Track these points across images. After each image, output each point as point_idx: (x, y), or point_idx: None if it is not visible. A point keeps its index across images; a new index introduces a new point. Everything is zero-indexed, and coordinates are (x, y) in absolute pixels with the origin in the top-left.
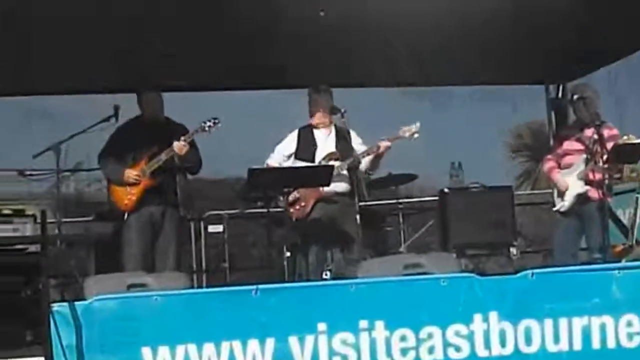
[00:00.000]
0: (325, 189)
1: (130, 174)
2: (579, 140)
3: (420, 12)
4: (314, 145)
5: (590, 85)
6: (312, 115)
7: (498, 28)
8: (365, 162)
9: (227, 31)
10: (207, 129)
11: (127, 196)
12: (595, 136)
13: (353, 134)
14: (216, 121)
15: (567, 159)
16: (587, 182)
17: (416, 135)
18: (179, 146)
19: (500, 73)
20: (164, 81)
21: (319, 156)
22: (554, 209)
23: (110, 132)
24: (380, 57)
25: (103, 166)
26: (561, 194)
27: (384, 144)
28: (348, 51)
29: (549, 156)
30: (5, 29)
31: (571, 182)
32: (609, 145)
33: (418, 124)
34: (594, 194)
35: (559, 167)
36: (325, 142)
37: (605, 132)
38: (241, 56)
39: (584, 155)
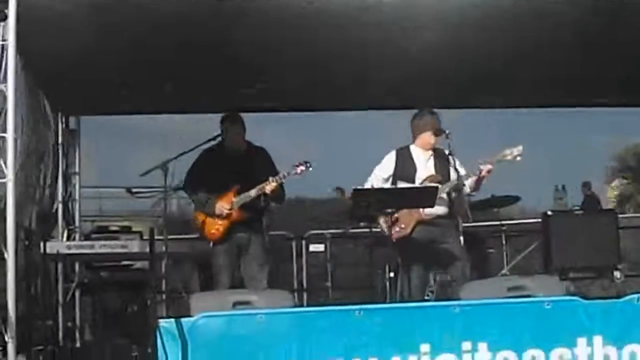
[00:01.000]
0: (426, 211)
1: (223, 208)
2: None
3: (530, 28)
4: (413, 167)
5: None
6: (416, 136)
7: (607, 50)
8: (467, 184)
9: (323, 51)
10: (299, 172)
11: (214, 226)
12: None
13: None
14: (308, 165)
15: None
16: None
17: (519, 158)
18: (271, 187)
19: (608, 95)
20: (263, 102)
21: (419, 178)
22: None
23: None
24: (486, 79)
25: (192, 193)
26: None
27: (487, 167)
28: (447, 72)
29: None
30: (116, 50)
31: None
32: None
33: (520, 147)
34: None
35: None
36: (425, 164)
37: None
38: (339, 76)
39: None
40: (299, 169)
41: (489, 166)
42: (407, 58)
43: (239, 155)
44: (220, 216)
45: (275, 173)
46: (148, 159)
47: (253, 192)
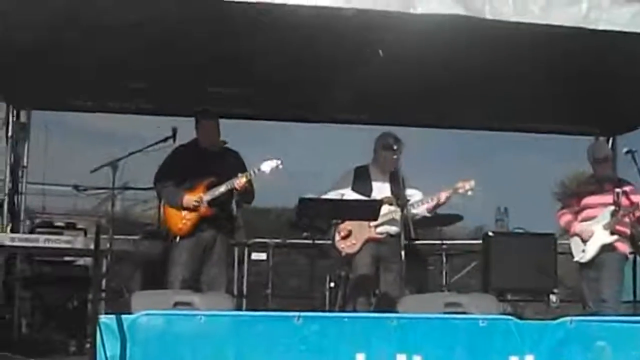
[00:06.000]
0: (378, 229)
1: (191, 200)
2: (602, 194)
3: (478, 55)
4: (369, 187)
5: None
6: (377, 157)
7: (552, 78)
8: (423, 208)
9: (292, 62)
10: (269, 170)
11: (182, 221)
12: (618, 190)
13: (406, 180)
14: (280, 162)
15: (588, 212)
16: (615, 233)
17: (470, 193)
18: (240, 183)
19: (554, 122)
20: (224, 108)
21: (375, 198)
22: (575, 259)
23: (166, 153)
24: (436, 98)
25: (161, 188)
26: (583, 244)
27: (444, 195)
28: (397, 90)
29: (564, 210)
30: (69, 46)
31: (596, 232)
32: (634, 199)
33: (473, 182)
34: (621, 246)
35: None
36: (381, 185)
37: (627, 188)
38: (301, 89)
39: (611, 208)
40: (268, 167)
41: (447, 194)
42: (373, 74)
43: (212, 154)
44: (188, 209)
45: None
46: (92, 157)
47: (223, 188)
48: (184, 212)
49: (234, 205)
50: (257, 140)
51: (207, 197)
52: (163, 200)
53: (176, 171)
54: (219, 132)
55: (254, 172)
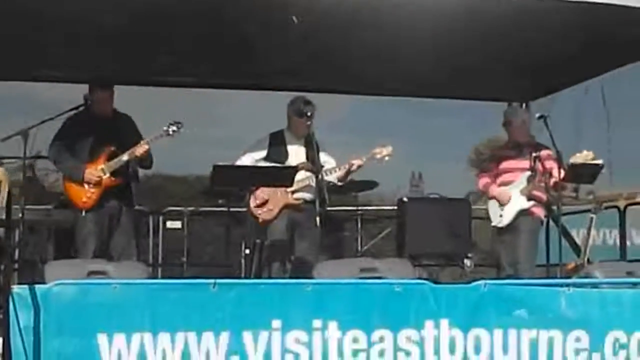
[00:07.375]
0: (295, 195)
1: (92, 174)
2: (520, 158)
3: (395, 22)
4: (285, 152)
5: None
6: (291, 122)
7: (466, 44)
8: (336, 175)
9: (211, 32)
10: (170, 132)
11: (86, 194)
12: (535, 155)
13: (321, 145)
14: (179, 125)
15: (505, 177)
16: (531, 199)
17: (387, 158)
18: (143, 150)
19: (467, 89)
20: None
21: (290, 164)
22: (492, 224)
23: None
24: (353, 64)
25: (58, 161)
26: (501, 208)
27: (356, 163)
28: (316, 55)
29: (482, 173)
30: None
31: (513, 197)
32: (548, 165)
33: (390, 148)
34: (537, 210)
35: (495, 184)
36: (296, 151)
37: (544, 153)
38: (213, 54)
39: (527, 173)
40: (170, 129)
41: (359, 162)
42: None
43: (105, 121)
44: (90, 183)
45: (140, 139)
46: (3, 125)
47: (125, 157)
48: (87, 186)
49: (131, 172)
50: (177, 108)
51: (110, 167)
52: (63, 176)
53: (71, 143)
54: (112, 101)
55: (156, 137)
